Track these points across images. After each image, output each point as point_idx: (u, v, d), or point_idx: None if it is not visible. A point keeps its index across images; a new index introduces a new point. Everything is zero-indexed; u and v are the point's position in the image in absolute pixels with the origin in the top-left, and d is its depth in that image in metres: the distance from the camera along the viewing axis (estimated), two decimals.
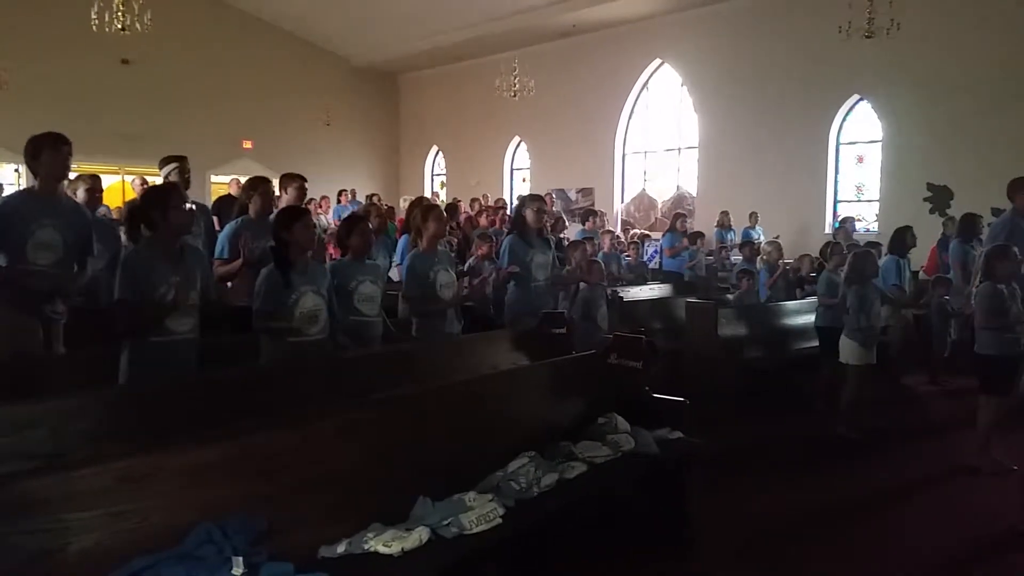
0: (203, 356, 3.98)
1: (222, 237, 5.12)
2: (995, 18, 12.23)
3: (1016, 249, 5.54)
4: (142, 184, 8.60)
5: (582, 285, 6.79)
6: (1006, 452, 5.37)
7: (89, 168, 14.92)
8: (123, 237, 6.83)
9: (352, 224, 5.04)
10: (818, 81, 14.31)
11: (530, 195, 6.44)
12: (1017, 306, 5.33)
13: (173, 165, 5.68)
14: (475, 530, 2.90)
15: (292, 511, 2.75)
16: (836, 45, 11.97)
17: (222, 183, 11.85)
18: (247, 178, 5.88)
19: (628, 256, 11.07)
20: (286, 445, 2.87)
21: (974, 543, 4.42)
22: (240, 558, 2.44)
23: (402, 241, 6.31)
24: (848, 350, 6.38)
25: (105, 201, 11.53)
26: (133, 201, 6.07)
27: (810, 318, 7.85)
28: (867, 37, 11.16)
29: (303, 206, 5.88)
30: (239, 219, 5.25)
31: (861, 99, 14.29)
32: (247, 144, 19.23)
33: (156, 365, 3.72)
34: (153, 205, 3.84)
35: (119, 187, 16.75)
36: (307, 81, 20.14)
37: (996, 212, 9.65)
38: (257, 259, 4.53)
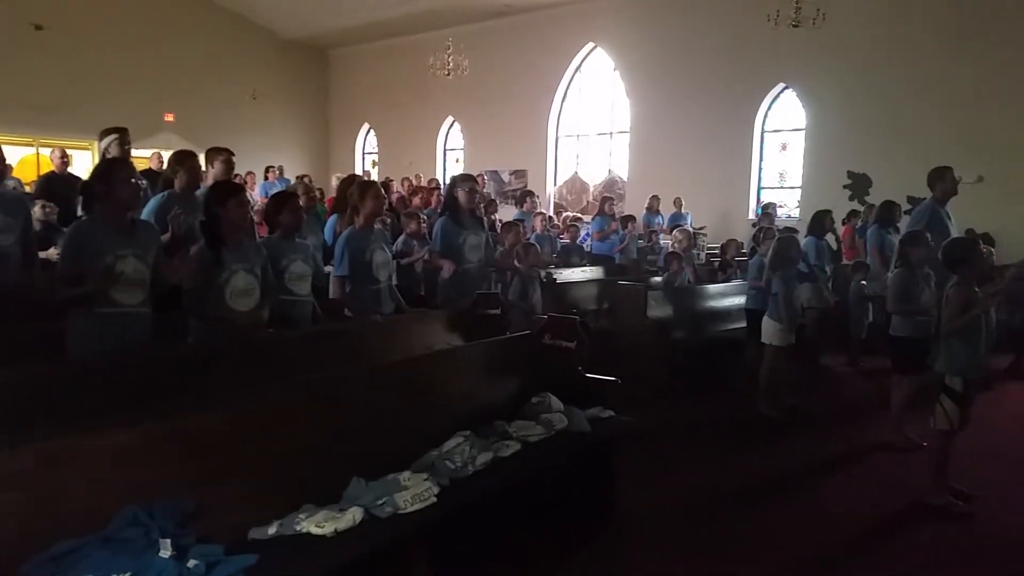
0: (158, 331, 3.90)
1: (146, 212, 4.95)
2: (916, 12, 12.70)
3: (929, 235, 5.79)
4: (61, 157, 8.21)
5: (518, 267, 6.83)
6: (915, 429, 5.63)
7: None
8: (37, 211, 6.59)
9: (283, 201, 4.94)
10: (746, 69, 14.62)
11: (461, 175, 6.37)
12: (930, 290, 5.58)
13: (112, 137, 5.46)
14: (409, 509, 2.90)
15: (222, 493, 2.70)
16: (764, 34, 12.24)
17: (143, 157, 11.41)
18: (171, 152, 5.70)
19: (564, 238, 11.14)
20: (215, 426, 2.81)
21: (888, 515, 4.63)
22: (168, 540, 2.39)
23: (331, 221, 6.16)
24: (770, 331, 6.59)
25: (18, 174, 11.02)
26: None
27: (735, 300, 8.06)
28: (794, 26, 11.45)
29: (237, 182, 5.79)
30: (164, 193, 5.09)
31: (786, 88, 14.67)
32: (169, 117, 18.56)
33: (103, 338, 3.62)
34: (98, 178, 3.77)
35: (33, 160, 16.00)
36: (232, 54, 19.57)
37: (912, 200, 10.07)
38: (184, 235, 4.39)
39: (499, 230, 7.87)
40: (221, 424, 2.83)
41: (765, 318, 6.63)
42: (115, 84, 16.84)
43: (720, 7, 14.85)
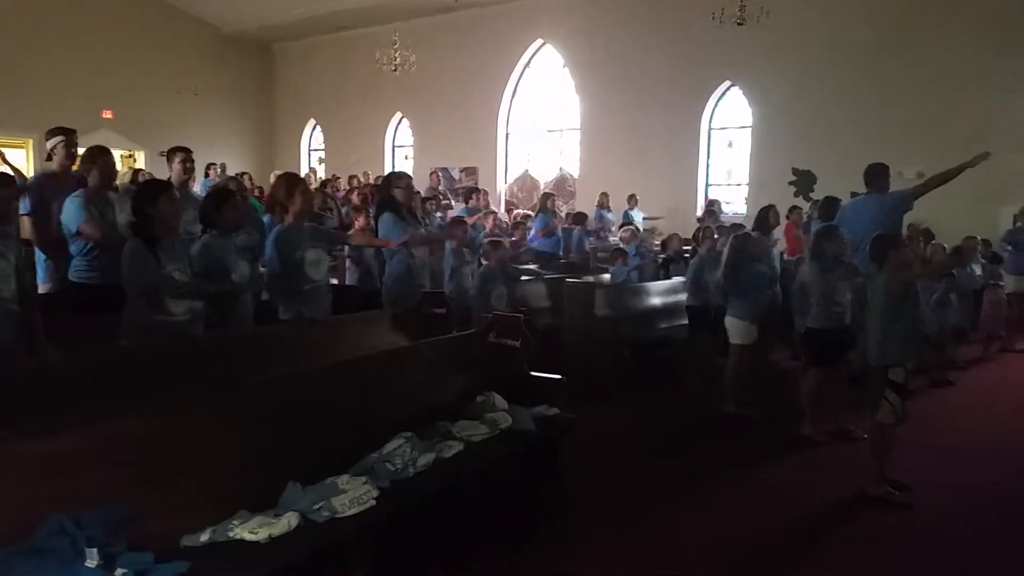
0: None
1: (71, 213, 4.82)
2: (858, 9, 13.00)
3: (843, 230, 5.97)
4: None
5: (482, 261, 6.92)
6: (856, 422, 5.75)
7: None
8: None
9: (223, 198, 4.81)
10: (692, 67, 14.79)
11: (395, 173, 6.40)
12: (844, 283, 5.75)
13: (59, 139, 5.29)
14: (347, 513, 2.85)
15: (154, 500, 2.62)
16: (710, 32, 12.40)
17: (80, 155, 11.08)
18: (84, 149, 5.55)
19: (514, 237, 11.13)
20: (146, 430, 2.73)
21: (829, 506, 4.73)
22: (95, 550, 2.31)
23: (266, 219, 6.01)
24: (738, 330, 6.57)
25: None
26: None
27: (682, 297, 8.11)
28: (738, 24, 11.60)
29: (187, 179, 6.06)
30: (79, 192, 4.93)
31: (732, 85, 14.89)
32: (107, 114, 18.06)
33: None
34: None
35: None
36: (173, 48, 19.09)
37: (855, 195, 10.26)
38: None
39: (448, 227, 7.86)
40: (152, 429, 2.75)
41: (731, 318, 6.59)
42: (50, 80, 16.28)
43: (667, 5, 14.99)
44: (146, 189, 4.19)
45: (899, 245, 4.95)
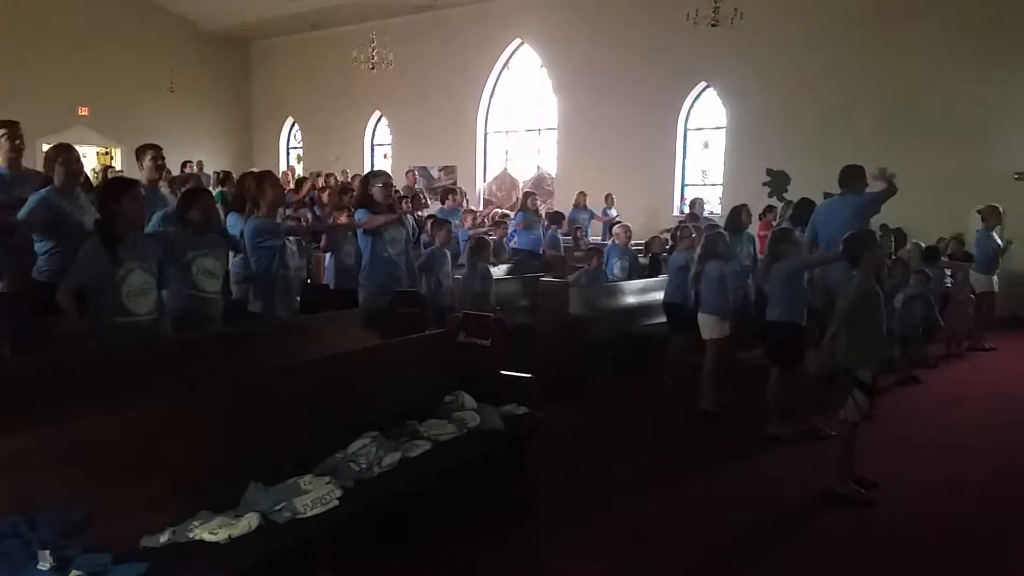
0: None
1: (28, 208, 4.74)
2: (831, 12, 13.10)
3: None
4: None
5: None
6: (827, 421, 5.79)
7: None
8: None
9: (193, 197, 4.79)
10: (668, 67, 14.85)
11: (373, 172, 6.44)
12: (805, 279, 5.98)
13: (1, 131, 5.17)
14: (309, 513, 2.84)
15: (113, 500, 2.60)
16: (685, 33, 12.44)
17: None
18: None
19: (492, 235, 11.13)
20: (108, 431, 2.71)
21: (792, 503, 4.76)
22: (47, 552, 2.28)
23: (230, 219, 5.89)
24: (708, 326, 6.63)
25: None
26: None
27: (659, 296, 8.14)
28: (712, 25, 11.63)
29: (158, 178, 5.98)
30: (47, 188, 4.86)
31: (708, 86, 14.96)
32: (83, 111, 17.89)
33: None
34: None
35: None
36: (149, 45, 18.91)
37: (828, 196, 10.35)
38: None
39: (431, 227, 7.85)
40: (114, 429, 2.73)
41: (702, 314, 6.65)
42: (24, 75, 16.08)
43: (643, 6, 15.04)
44: (111, 186, 4.15)
45: (873, 246, 4.97)
